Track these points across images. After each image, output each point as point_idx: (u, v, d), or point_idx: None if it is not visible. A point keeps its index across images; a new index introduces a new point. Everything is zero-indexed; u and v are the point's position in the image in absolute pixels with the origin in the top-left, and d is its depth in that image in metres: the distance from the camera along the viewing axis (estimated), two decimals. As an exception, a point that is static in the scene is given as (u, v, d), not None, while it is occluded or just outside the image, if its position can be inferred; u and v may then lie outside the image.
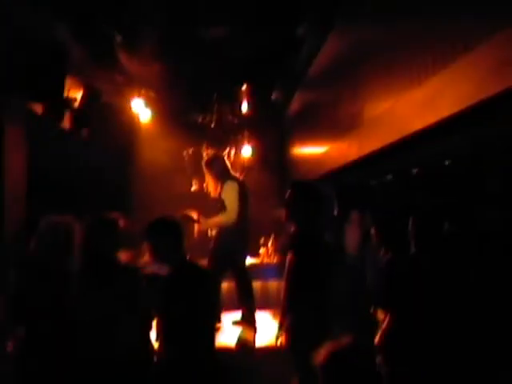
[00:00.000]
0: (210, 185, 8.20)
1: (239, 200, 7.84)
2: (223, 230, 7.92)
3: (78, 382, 4.11)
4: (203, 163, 8.30)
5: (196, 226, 8.01)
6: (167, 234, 4.54)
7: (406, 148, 5.39)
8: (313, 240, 4.94)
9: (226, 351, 6.89)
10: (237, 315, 8.24)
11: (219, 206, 7.95)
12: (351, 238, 7.72)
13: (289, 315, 4.86)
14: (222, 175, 8.02)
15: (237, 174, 8.69)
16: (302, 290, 4.76)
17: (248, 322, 7.94)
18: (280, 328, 5.00)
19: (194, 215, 7.92)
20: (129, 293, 4.12)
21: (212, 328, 4.73)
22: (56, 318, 4.17)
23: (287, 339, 4.86)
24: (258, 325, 7.93)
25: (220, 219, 7.90)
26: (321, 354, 2.85)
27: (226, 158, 8.89)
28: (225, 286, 8.45)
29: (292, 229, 5.19)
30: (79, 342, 4.20)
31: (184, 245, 4.61)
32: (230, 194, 7.84)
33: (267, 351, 6.92)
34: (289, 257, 4.96)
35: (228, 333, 7.73)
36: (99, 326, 4.08)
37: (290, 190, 5.12)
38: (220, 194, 7.98)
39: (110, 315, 4.07)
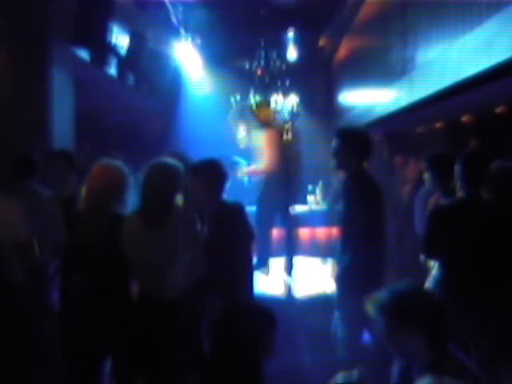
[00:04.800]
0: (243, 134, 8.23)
1: (276, 148, 7.85)
2: (265, 178, 7.94)
3: (128, 322, 4.23)
4: (246, 109, 8.30)
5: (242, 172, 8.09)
6: (205, 173, 4.63)
7: (457, 94, 5.32)
8: (365, 185, 4.92)
9: (269, 297, 6.96)
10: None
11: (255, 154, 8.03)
12: (402, 183, 7.72)
13: (342, 261, 4.88)
14: (263, 121, 8.00)
15: (276, 121, 8.65)
16: (356, 235, 4.77)
17: (285, 271, 8.01)
18: (331, 273, 5.03)
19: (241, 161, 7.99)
20: (182, 236, 4.19)
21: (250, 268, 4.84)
22: (107, 260, 4.26)
23: (338, 284, 4.89)
24: (293, 274, 8.01)
25: (254, 168, 7.99)
26: (380, 298, 2.87)
27: (254, 107, 8.86)
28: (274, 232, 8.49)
29: (342, 176, 5.19)
30: (130, 281, 4.33)
31: (221, 188, 4.69)
32: (267, 144, 7.87)
33: (312, 299, 6.98)
34: (341, 203, 4.97)
35: (273, 280, 7.82)
36: (150, 266, 4.18)
37: (337, 138, 5.08)
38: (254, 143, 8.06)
39: (161, 256, 4.16)
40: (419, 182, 6.34)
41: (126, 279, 4.38)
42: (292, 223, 8.25)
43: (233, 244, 4.51)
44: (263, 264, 7.88)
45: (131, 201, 4.49)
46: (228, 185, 4.79)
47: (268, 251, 8.00)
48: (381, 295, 2.89)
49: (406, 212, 6.81)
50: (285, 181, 7.96)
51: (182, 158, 4.92)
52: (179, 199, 4.47)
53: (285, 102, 10.46)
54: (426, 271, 4.83)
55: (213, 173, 4.71)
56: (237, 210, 4.75)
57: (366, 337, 4.98)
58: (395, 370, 3.11)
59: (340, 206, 5.02)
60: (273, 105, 9.01)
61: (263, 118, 8.13)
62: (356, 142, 5.03)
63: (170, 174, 4.35)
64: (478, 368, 2.81)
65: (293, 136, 8.18)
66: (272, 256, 8.27)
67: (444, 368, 2.73)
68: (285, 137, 8.03)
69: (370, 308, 2.91)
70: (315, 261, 8.83)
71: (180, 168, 4.41)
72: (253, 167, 8.05)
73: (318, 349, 5.80)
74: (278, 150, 7.82)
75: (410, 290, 2.88)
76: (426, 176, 5.46)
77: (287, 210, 8.26)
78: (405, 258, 6.63)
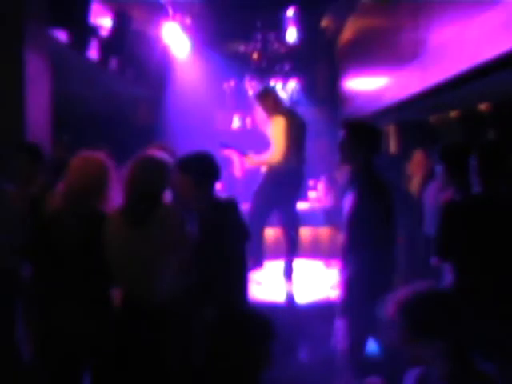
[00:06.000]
0: (261, 120, 8.12)
1: (288, 138, 7.71)
2: (268, 171, 7.85)
3: (110, 332, 4.19)
4: (253, 96, 8.19)
5: (237, 165, 8.02)
6: (192, 170, 4.57)
7: (474, 80, 5.26)
8: (373, 181, 4.88)
9: (267, 304, 6.93)
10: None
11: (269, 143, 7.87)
12: (413, 177, 7.68)
13: (349, 263, 4.84)
14: (271, 110, 7.89)
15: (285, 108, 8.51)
16: (363, 236, 4.73)
17: (284, 274, 7.97)
18: (338, 277, 4.99)
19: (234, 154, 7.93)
20: (170, 236, 4.15)
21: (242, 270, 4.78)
22: (87, 264, 4.22)
23: (345, 290, 4.86)
24: (293, 278, 7.95)
25: (265, 159, 7.80)
26: (398, 300, 2.82)
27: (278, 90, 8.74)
28: (270, 232, 8.45)
29: (349, 170, 5.14)
30: (114, 285, 4.28)
31: (212, 184, 4.63)
32: (276, 132, 7.71)
33: (315, 305, 6.96)
34: (348, 201, 4.92)
35: (271, 284, 7.78)
36: (134, 269, 4.13)
37: (343, 132, 5.04)
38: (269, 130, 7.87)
39: (146, 258, 4.12)
40: (430, 176, 6.32)
41: (108, 285, 4.32)
42: (293, 222, 8.19)
43: (226, 244, 4.45)
44: (258, 264, 7.85)
45: (114, 198, 4.45)
46: (220, 180, 4.75)
47: (262, 250, 7.97)
48: (399, 297, 2.84)
49: (417, 210, 6.79)
50: (291, 174, 7.87)
51: (170, 150, 4.88)
52: (167, 196, 4.44)
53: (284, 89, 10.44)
54: (438, 275, 4.79)
55: (203, 168, 4.65)
56: (230, 207, 4.68)
57: (372, 346, 4.96)
58: (410, 379, 3.06)
59: (345, 204, 4.98)
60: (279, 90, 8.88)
61: (271, 105, 8.00)
62: (364, 135, 4.99)
63: (158, 169, 4.27)
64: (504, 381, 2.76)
65: (299, 124, 8.07)
66: (269, 258, 8.25)
67: (467, 378, 2.69)
68: (294, 125, 7.90)
69: (385, 311, 2.86)
70: (317, 263, 8.79)
71: (168, 162, 4.35)
72: (258, 158, 7.93)
73: (320, 358, 5.80)
74: (288, 140, 7.70)
75: (431, 292, 2.83)
76: (438, 170, 5.41)
77: (289, 207, 8.20)
78: (415, 261, 6.60)
